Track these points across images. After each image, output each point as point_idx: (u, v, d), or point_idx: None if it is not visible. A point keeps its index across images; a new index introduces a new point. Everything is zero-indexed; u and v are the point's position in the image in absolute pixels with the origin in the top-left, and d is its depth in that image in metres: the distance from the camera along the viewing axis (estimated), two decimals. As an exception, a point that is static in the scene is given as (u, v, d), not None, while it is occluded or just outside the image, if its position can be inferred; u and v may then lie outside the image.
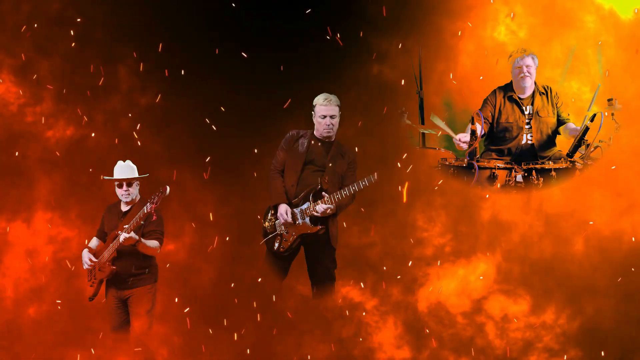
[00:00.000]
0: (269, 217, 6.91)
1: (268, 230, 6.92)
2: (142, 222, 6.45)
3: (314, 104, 6.87)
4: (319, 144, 6.86)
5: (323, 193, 6.72)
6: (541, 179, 6.98)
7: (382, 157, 7.19)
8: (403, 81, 7.23)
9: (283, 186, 6.85)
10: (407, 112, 7.20)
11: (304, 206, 6.78)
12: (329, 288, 6.90)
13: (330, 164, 6.78)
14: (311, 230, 6.78)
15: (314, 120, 6.89)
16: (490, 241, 7.15)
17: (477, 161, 7.05)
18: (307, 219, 6.78)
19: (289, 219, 6.78)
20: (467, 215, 7.22)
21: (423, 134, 7.31)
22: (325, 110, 6.80)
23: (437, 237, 7.25)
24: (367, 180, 6.60)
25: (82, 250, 6.75)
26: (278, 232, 6.86)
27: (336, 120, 6.83)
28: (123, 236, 6.38)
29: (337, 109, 6.82)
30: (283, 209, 6.80)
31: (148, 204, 6.37)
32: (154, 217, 6.42)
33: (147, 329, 6.57)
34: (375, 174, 6.57)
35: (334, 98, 6.84)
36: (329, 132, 6.82)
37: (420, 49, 7.27)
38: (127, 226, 6.40)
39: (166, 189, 6.36)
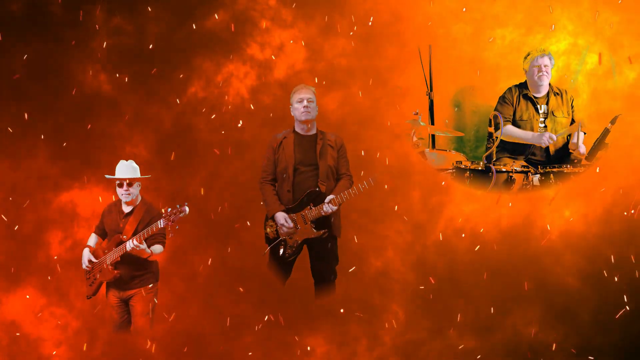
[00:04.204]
0: (269, 223, 6.72)
1: (270, 237, 6.72)
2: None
3: (290, 97, 6.75)
4: (303, 139, 6.70)
5: (329, 196, 6.56)
6: (559, 183, 6.87)
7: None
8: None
9: (275, 193, 6.71)
10: (420, 113, 6.97)
11: (304, 211, 6.63)
12: (331, 287, 6.79)
13: (321, 160, 6.65)
14: (315, 235, 6.65)
15: (292, 112, 6.74)
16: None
17: (494, 164, 6.89)
18: (310, 224, 6.61)
19: (290, 225, 6.61)
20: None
21: (433, 135, 7.13)
22: (301, 93, 6.68)
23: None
24: (366, 184, 6.53)
25: (83, 250, 6.64)
26: (281, 238, 6.68)
27: (313, 105, 6.68)
28: (137, 247, 6.29)
29: (312, 92, 6.70)
30: (281, 218, 6.66)
31: (163, 219, 6.19)
32: (171, 235, 6.29)
33: (149, 328, 6.57)
34: (371, 179, 6.51)
35: (308, 86, 6.77)
36: (306, 115, 6.66)
37: (430, 50, 7.09)
38: (135, 239, 6.29)
39: (185, 209, 6.18)
